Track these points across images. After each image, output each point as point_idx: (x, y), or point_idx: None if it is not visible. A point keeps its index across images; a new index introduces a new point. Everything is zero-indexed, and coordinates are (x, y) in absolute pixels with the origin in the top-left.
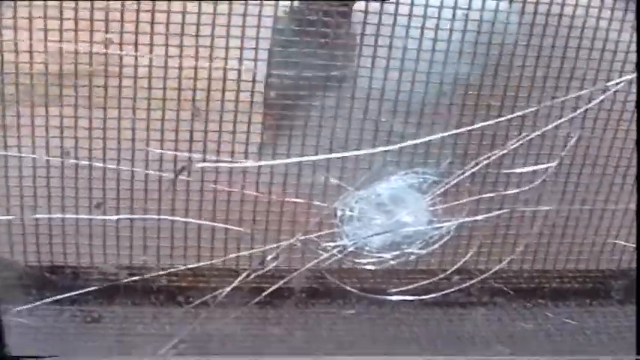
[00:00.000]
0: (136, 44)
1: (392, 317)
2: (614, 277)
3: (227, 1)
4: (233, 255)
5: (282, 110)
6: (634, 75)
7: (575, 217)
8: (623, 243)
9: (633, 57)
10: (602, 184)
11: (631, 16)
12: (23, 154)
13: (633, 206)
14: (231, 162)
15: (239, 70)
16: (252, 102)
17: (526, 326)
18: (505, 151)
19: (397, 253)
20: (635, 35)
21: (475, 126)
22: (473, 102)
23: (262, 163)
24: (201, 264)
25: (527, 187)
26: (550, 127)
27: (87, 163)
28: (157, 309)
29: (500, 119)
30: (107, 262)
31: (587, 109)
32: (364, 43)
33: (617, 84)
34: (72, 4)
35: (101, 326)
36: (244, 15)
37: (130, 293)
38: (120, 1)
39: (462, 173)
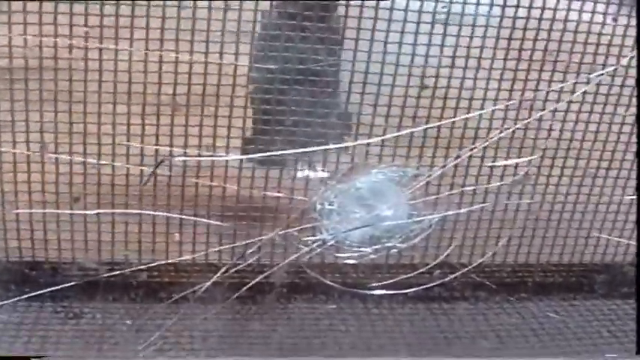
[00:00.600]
0: (116, 38)
1: (374, 312)
2: (598, 271)
3: None
4: (213, 249)
5: (263, 104)
6: (615, 67)
7: (559, 211)
8: (606, 237)
9: (615, 50)
10: (585, 177)
11: (613, 9)
12: (3, 149)
13: (616, 199)
14: (211, 156)
15: (220, 65)
16: (232, 96)
17: (509, 320)
18: (487, 144)
19: (378, 247)
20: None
21: (457, 118)
22: (455, 95)
23: (242, 157)
24: (182, 259)
25: (509, 181)
26: (532, 119)
27: (67, 157)
28: (138, 304)
29: (482, 111)
30: (88, 257)
31: (570, 102)
32: (346, 37)
33: (600, 75)
34: None
35: (83, 322)
36: (225, 9)
37: (111, 289)
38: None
39: (444, 166)
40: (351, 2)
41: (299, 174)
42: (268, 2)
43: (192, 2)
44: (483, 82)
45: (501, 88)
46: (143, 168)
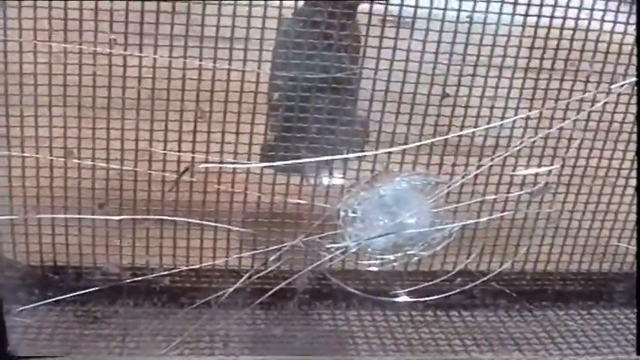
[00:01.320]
0: (140, 45)
1: (394, 319)
2: (617, 280)
3: (231, 2)
4: (235, 256)
5: (285, 112)
6: (636, 77)
7: (578, 219)
8: (625, 245)
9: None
10: (604, 186)
11: (634, 19)
12: (26, 154)
13: (635, 208)
14: (234, 163)
15: (243, 72)
16: (255, 103)
17: (529, 328)
18: (508, 153)
19: (400, 254)
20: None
21: (479, 128)
22: (476, 104)
23: (265, 164)
24: (203, 264)
25: (530, 190)
26: (554, 129)
27: (90, 163)
28: (160, 309)
29: (503, 121)
30: (110, 262)
31: (590, 112)
32: (368, 45)
33: (621, 86)
34: (77, 4)
35: (104, 326)
36: (249, 16)
37: (133, 294)
38: (124, 1)
39: (465, 175)
40: (374, 10)
41: (323, 181)
42: (291, 10)
43: (216, 9)
44: (505, 91)
45: (522, 97)
46: (165, 174)
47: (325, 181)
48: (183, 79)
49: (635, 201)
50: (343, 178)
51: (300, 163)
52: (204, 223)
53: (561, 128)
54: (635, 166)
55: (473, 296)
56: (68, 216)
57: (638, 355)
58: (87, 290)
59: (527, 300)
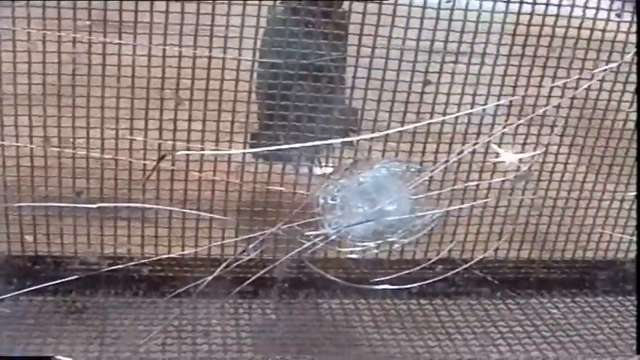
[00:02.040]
0: (119, 32)
1: (377, 307)
2: (600, 268)
3: None
4: (216, 244)
5: (267, 99)
6: (618, 63)
7: (561, 207)
8: (609, 233)
9: (619, 46)
10: (588, 174)
11: (617, 5)
12: (6, 143)
13: (619, 196)
14: (215, 150)
15: (223, 59)
16: (236, 91)
17: (511, 316)
18: (490, 139)
19: (380, 242)
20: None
21: (461, 113)
22: (458, 90)
23: (245, 151)
24: (184, 253)
25: (512, 176)
26: (535, 114)
27: (70, 151)
28: (141, 299)
29: (485, 106)
30: (90, 251)
31: (573, 97)
32: (350, 32)
33: (603, 71)
34: None
35: (84, 316)
36: (229, 3)
37: (113, 283)
38: None
39: (447, 161)
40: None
41: (315, 170)
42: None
43: None
44: (487, 77)
45: (505, 84)
46: (146, 162)
47: (317, 170)
48: (163, 67)
49: (619, 188)
50: (327, 165)
51: (281, 150)
52: (186, 211)
53: (543, 114)
54: (620, 153)
55: (455, 284)
56: (48, 204)
57: (638, 355)
58: (67, 279)
59: (510, 287)
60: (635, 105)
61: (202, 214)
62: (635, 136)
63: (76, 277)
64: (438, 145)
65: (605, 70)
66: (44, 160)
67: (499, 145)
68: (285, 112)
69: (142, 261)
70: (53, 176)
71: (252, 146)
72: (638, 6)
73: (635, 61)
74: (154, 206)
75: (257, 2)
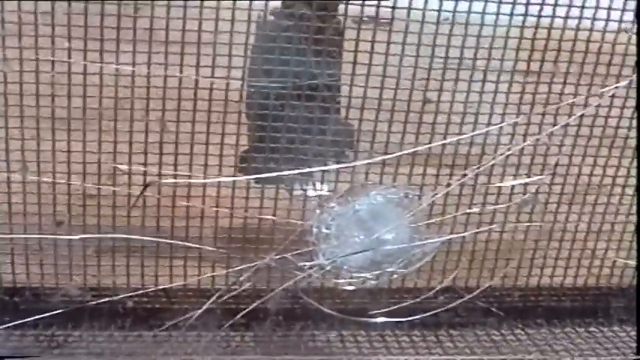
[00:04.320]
0: (100, 52)
1: (377, 340)
2: (615, 295)
3: (197, 5)
4: (206, 275)
5: (259, 120)
6: (630, 78)
7: (572, 231)
8: (623, 260)
9: (630, 60)
10: (600, 196)
11: (629, 16)
12: None
13: (634, 219)
14: (203, 178)
15: (211, 80)
16: (225, 112)
17: (520, 348)
18: (495, 162)
19: (378, 272)
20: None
21: (464, 135)
22: (460, 110)
23: (235, 178)
24: (173, 284)
25: (518, 200)
26: (542, 135)
27: (50, 180)
28: (126, 333)
29: (489, 127)
30: (73, 283)
31: (582, 116)
32: (345, 49)
33: (615, 89)
34: (32, 5)
35: (67, 351)
36: (216, 19)
37: (97, 316)
38: (83, 2)
39: (448, 185)
40: (350, 12)
41: (301, 192)
42: (262, 13)
43: (182, 13)
44: (490, 95)
45: (509, 102)
46: (130, 190)
47: (312, 192)
48: (148, 88)
49: (633, 210)
50: (322, 189)
51: (276, 175)
52: (173, 242)
53: (551, 134)
54: (633, 173)
55: (460, 314)
56: (28, 235)
57: (638, 355)
58: (48, 314)
59: (518, 317)
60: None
61: (190, 245)
62: None
63: (59, 310)
64: (439, 168)
65: (617, 87)
66: (22, 187)
67: (503, 167)
68: (278, 133)
69: (129, 294)
70: (33, 204)
71: (241, 169)
72: (638, 15)
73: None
74: (139, 237)
75: (246, 19)
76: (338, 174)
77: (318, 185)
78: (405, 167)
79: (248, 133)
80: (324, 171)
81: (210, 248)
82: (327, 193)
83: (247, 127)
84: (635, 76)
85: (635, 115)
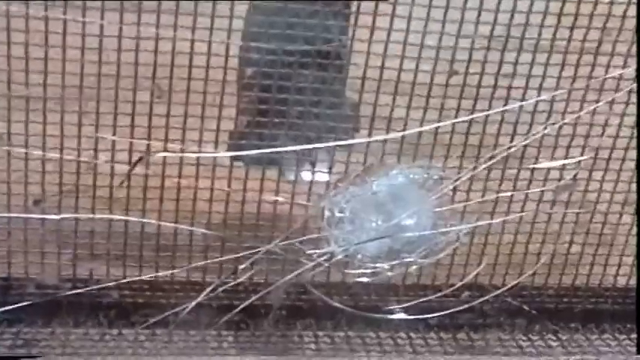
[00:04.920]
0: (83, 9)
1: (389, 342)
2: None
3: None
4: (198, 264)
5: (260, 91)
6: None
7: (614, 223)
8: None
9: None
10: None
11: None
12: None
13: None
14: (198, 152)
15: (209, 43)
16: (224, 81)
17: (552, 355)
18: (528, 142)
19: (396, 262)
20: None
21: (493, 111)
22: (490, 82)
23: (236, 153)
24: (160, 274)
25: (554, 186)
26: (584, 112)
27: (23, 151)
28: (106, 330)
29: (522, 102)
30: (45, 272)
31: (630, 91)
32: (362, 12)
33: None
34: None
35: (35, 350)
36: None
37: (73, 310)
38: None
39: (475, 167)
40: None
41: (303, 176)
42: None
43: None
44: (525, 67)
45: (547, 74)
46: (114, 164)
47: (306, 176)
48: (137, 51)
49: None
50: (329, 172)
51: (276, 152)
52: (162, 223)
53: (593, 112)
54: None
55: (484, 314)
56: None
57: (638, 355)
58: (16, 306)
59: (550, 320)
60: None
61: (181, 226)
62: None
63: (28, 303)
64: (464, 147)
65: None
66: None
67: (538, 148)
68: (282, 106)
69: (109, 284)
70: (2, 182)
71: (238, 147)
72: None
73: None
74: (124, 218)
75: None
76: (350, 153)
77: (322, 168)
78: (426, 147)
79: (246, 106)
80: (333, 149)
81: (203, 231)
82: (335, 177)
83: (247, 100)
84: None
85: None
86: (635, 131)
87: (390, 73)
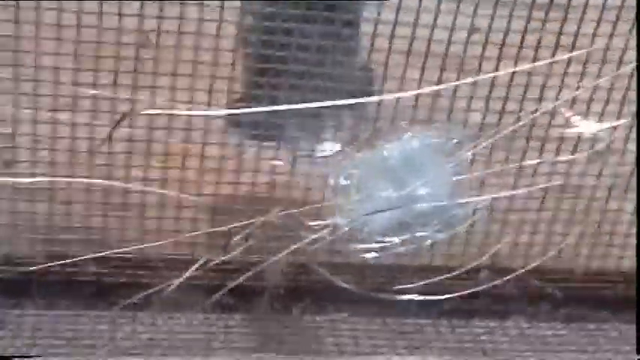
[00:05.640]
0: None
1: (396, 326)
2: None
3: None
4: (186, 235)
5: (261, 48)
6: None
7: None
8: None
9: None
10: None
11: None
12: None
13: None
14: (189, 110)
15: None
16: (218, 36)
17: (579, 344)
18: (558, 103)
19: (407, 237)
20: None
21: (518, 68)
22: (516, 41)
23: (230, 111)
24: (140, 246)
25: (586, 153)
26: (621, 70)
27: None
28: (81, 310)
29: (554, 59)
30: (14, 245)
31: None
32: None
33: None
34: None
35: (2, 334)
36: None
37: (45, 288)
38: None
39: (496, 132)
40: None
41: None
42: None
43: None
44: (556, 25)
45: (580, 30)
46: (95, 124)
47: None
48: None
49: None
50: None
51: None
52: (146, 189)
53: (632, 73)
54: None
55: (503, 298)
56: None
57: (638, 355)
58: None
59: (577, 306)
60: None
61: (168, 192)
62: None
63: None
64: (485, 111)
65: None
66: None
67: (569, 110)
68: (283, 65)
69: (85, 257)
70: None
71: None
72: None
73: None
74: (104, 181)
75: None
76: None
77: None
78: (441, 113)
79: (245, 64)
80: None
81: (193, 197)
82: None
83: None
84: None
85: None
86: None
87: (404, 29)
